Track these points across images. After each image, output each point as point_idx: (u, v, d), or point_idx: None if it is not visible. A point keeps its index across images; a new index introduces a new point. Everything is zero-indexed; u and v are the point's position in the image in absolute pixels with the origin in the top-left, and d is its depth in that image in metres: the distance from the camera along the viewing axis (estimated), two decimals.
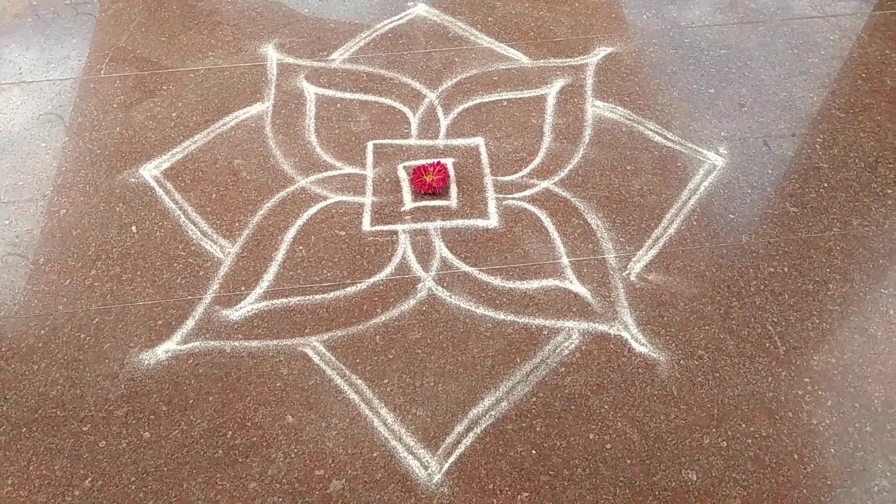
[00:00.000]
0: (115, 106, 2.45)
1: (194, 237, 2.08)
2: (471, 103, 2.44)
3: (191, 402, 1.75)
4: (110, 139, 2.35)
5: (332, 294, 1.94)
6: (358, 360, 1.81)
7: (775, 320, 1.88)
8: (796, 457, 1.65)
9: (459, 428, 1.70)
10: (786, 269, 1.99)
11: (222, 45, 2.67)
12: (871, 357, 1.81)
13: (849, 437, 1.68)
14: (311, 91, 2.49)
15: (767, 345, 1.83)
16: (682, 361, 1.80)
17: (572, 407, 1.73)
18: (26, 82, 2.56)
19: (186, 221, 2.11)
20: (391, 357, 1.82)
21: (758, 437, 1.67)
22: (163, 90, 2.50)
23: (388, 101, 2.45)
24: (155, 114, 2.42)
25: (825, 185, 2.19)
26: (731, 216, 2.11)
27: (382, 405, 1.74)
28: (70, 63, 2.62)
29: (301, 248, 2.05)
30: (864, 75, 2.53)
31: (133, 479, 1.62)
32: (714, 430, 1.69)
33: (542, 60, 2.60)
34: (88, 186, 2.21)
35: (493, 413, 1.72)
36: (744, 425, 1.69)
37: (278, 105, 2.44)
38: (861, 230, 2.08)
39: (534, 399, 1.74)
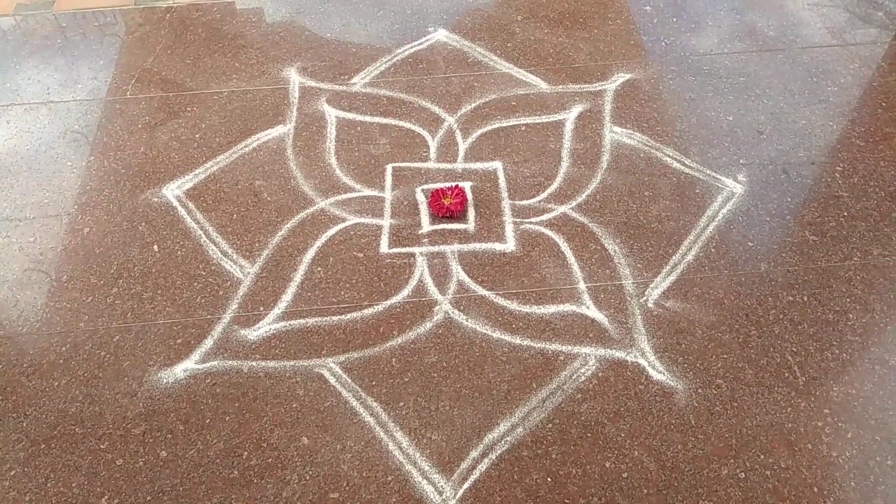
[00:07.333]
0: (139, 126, 2.50)
1: (215, 257, 2.10)
2: (489, 128, 2.46)
3: (208, 421, 1.76)
4: (134, 159, 2.39)
5: (349, 315, 1.95)
6: (374, 383, 1.82)
7: (794, 350, 1.87)
8: (816, 490, 1.62)
9: (474, 453, 1.69)
10: (805, 299, 1.98)
11: (246, 68, 2.72)
12: (892, 389, 1.79)
13: (869, 471, 1.65)
14: (332, 114, 2.52)
15: (786, 375, 1.82)
16: (699, 390, 1.79)
17: (588, 434, 1.72)
18: (54, 102, 2.61)
19: (207, 241, 2.14)
20: (407, 380, 1.82)
21: (777, 468, 1.65)
22: (187, 111, 2.55)
23: (408, 125, 2.48)
24: (179, 134, 2.46)
25: (845, 213, 2.18)
26: (749, 244, 2.11)
27: (398, 428, 1.74)
28: (97, 84, 2.68)
29: (319, 269, 2.06)
30: (884, 104, 2.52)
31: (149, 498, 1.63)
32: (732, 460, 1.67)
33: (560, 86, 2.61)
34: (112, 205, 2.25)
35: (508, 439, 1.71)
36: (762, 456, 1.67)
37: (300, 127, 2.48)
38: (881, 260, 2.06)
39: (550, 425, 1.73)
